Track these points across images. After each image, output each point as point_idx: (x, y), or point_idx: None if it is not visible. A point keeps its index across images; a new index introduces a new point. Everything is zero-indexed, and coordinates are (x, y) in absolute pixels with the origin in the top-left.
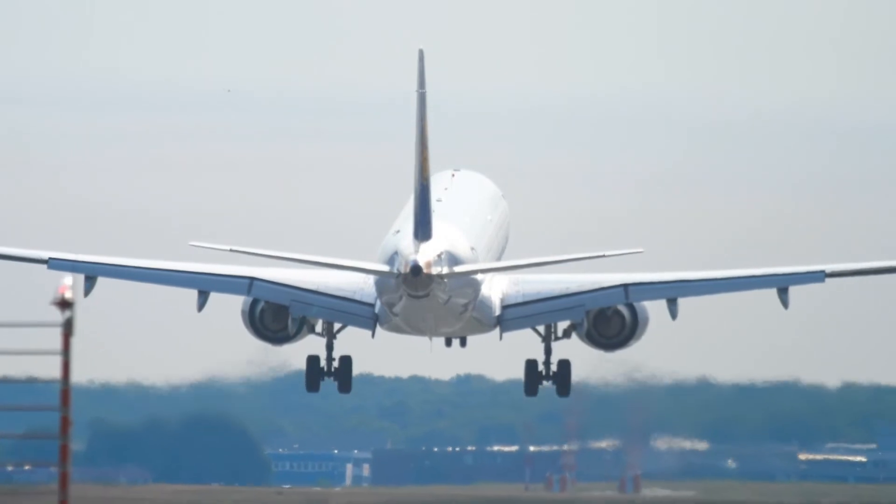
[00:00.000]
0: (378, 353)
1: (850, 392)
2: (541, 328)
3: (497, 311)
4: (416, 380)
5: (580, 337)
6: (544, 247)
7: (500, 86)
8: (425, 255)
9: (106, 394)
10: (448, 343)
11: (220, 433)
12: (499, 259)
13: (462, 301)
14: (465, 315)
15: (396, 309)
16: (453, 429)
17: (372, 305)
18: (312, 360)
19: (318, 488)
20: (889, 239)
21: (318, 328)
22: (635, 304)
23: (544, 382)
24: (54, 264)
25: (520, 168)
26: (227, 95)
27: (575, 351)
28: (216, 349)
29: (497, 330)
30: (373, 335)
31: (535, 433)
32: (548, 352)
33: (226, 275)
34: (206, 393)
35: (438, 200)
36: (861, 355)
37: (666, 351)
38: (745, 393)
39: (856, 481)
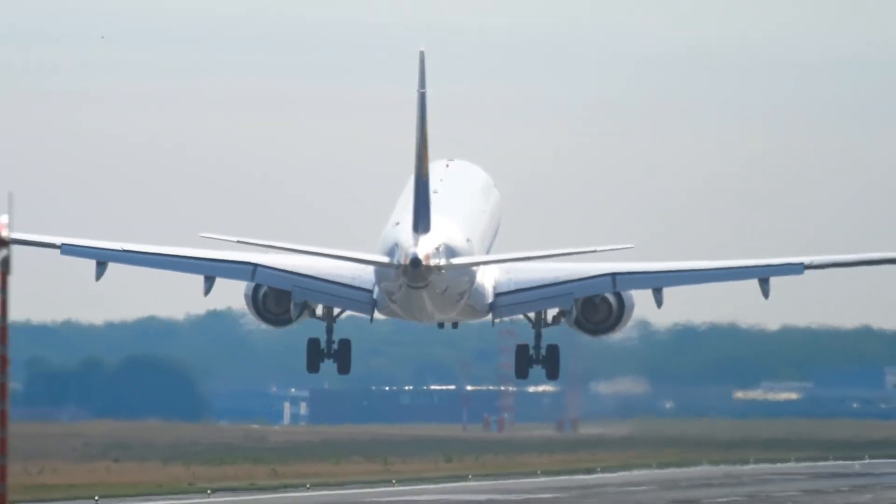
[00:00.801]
0: None
1: (787, 334)
2: (531, 314)
3: (490, 299)
4: (353, 319)
5: (569, 323)
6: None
7: (441, 17)
8: (424, 247)
9: (43, 333)
10: (441, 327)
11: (159, 371)
12: (491, 246)
13: (458, 290)
14: (461, 303)
15: (395, 297)
16: (390, 368)
17: (370, 291)
18: (313, 343)
19: (256, 426)
20: (855, 175)
21: (319, 312)
22: (622, 291)
23: (534, 366)
24: (66, 249)
25: (465, 100)
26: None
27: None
28: (155, 289)
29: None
30: (370, 320)
31: (472, 372)
32: (538, 337)
33: (231, 261)
34: (145, 331)
35: (435, 192)
36: (802, 298)
37: None
38: (684, 335)
39: (791, 417)
